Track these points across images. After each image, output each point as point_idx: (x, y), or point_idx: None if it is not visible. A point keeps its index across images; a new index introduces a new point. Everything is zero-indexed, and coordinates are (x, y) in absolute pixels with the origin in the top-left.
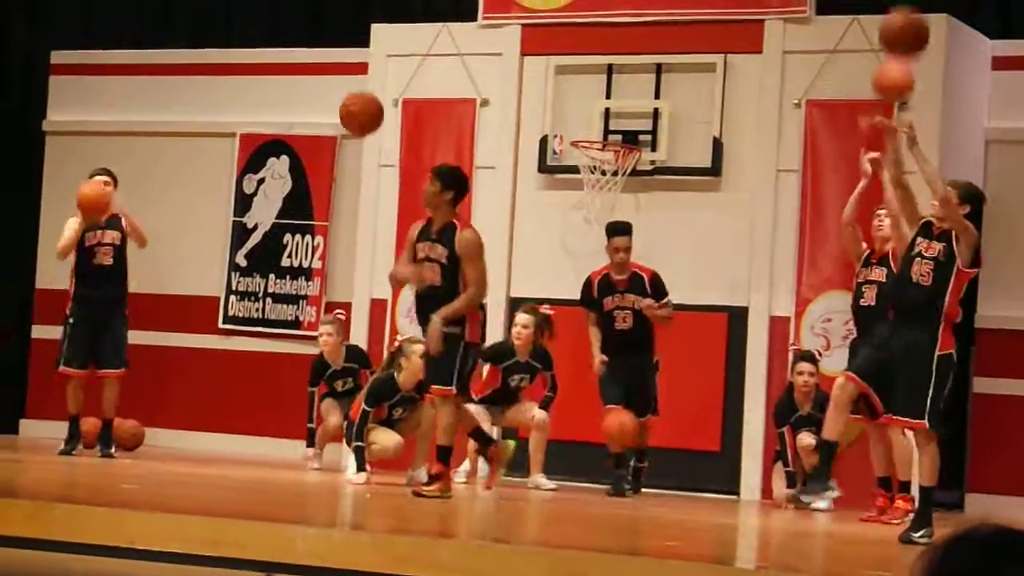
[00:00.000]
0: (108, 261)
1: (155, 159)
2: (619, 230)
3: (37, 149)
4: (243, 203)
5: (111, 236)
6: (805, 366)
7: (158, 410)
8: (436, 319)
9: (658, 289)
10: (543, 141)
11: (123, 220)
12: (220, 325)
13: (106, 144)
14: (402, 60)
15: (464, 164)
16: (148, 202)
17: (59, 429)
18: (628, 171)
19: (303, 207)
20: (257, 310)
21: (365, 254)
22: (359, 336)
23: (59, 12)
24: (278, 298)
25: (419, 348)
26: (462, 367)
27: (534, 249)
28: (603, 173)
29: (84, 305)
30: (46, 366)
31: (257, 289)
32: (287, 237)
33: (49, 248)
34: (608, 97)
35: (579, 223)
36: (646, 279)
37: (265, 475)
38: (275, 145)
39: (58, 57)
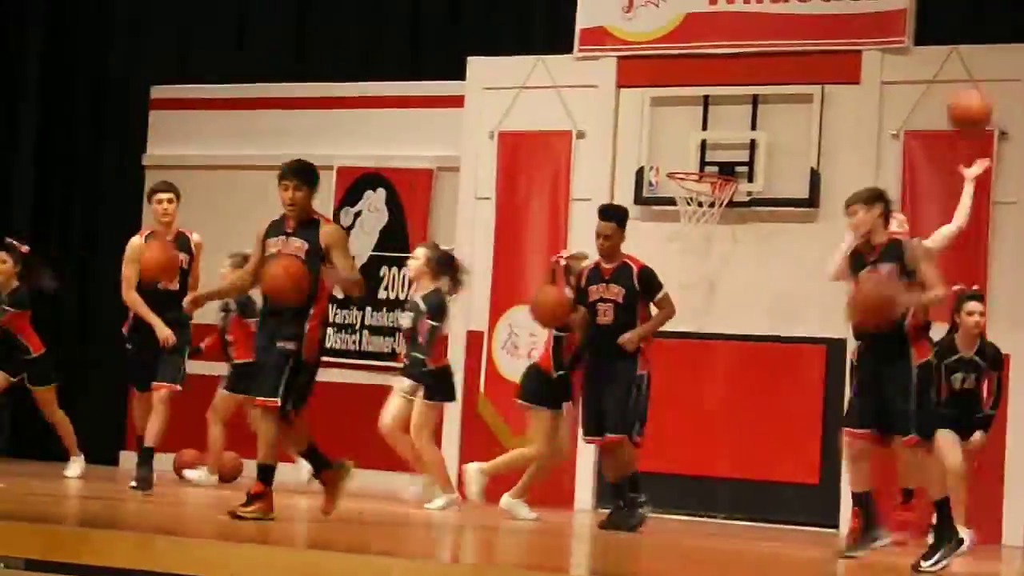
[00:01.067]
0: (174, 286)
1: (253, 192)
2: (602, 213)
3: (137, 183)
4: None
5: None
6: (975, 305)
7: (255, 442)
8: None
9: (647, 284)
10: (639, 173)
11: (191, 241)
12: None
13: (204, 177)
14: (498, 93)
15: (560, 196)
16: (246, 235)
17: (158, 460)
18: (725, 202)
19: (399, 239)
20: (354, 342)
21: None
22: (455, 367)
23: (158, 48)
24: (375, 330)
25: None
26: (290, 381)
27: None
28: (700, 204)
29: (142, 332)
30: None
31: (354, 321)
32: (384, 269)
33: None
34: (704, 128)
35: (676, 255)
36: (634, 271)
37: (363, 506)
38: (372, 178)
39: (158, 92)
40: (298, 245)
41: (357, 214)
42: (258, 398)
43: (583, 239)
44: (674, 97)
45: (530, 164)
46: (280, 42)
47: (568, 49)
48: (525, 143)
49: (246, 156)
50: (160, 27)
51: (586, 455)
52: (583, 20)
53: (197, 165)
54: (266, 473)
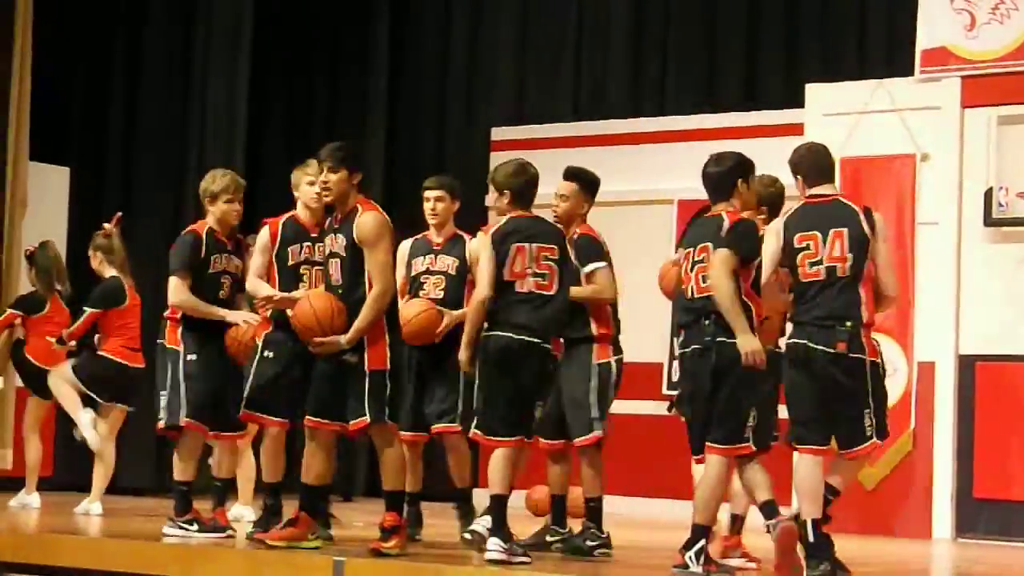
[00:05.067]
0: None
1: (596, 228)
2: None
3: (481, 225)
4: None
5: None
6: None
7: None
8: (342, 339)
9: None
10: (988, 194)
11: None
12: (664, 391)
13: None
14: (838, 119)
15: (905, 221)
16: None
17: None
18: None
19: None
20: None
21: None
22: None
23: (498, 89)
24: None
25: None
26: (377, 395)
27: (983, 305)
28: None
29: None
30: None
31: None
32: None
33: None
34: None
35: None
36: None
37: None
38: None
39: (498, 133)
40: (341, 241)
41: None
42: (354, 421)
43: (930, 263)
44: (1022, 115)
45: (873, 189)
46: (616, 78)
47: (909, 71)
48: (867, 168)
49: None
50: (499, 69)
51: (942, 479)
52: (924, 41)
53: (539, 204)
54: (397, 501)
